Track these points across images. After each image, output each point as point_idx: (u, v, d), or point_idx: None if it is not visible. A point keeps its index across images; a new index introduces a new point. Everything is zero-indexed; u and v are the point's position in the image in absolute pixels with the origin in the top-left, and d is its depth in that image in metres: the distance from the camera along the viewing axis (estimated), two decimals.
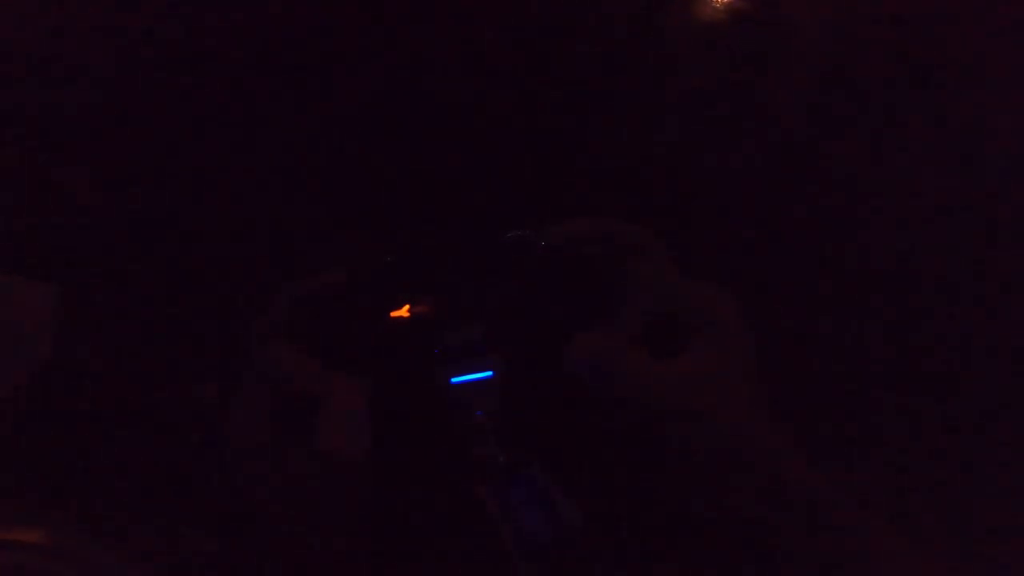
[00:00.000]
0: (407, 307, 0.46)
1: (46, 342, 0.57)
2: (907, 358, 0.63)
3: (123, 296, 0.58)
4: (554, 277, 0.46)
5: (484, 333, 0.47)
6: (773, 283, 0.64)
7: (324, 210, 0.58)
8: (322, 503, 0.41)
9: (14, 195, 0.60)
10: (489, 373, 0.47)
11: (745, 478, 0.40)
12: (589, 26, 0.65)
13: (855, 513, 0.40)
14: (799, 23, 0.66)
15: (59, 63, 0.60)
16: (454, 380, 0.47)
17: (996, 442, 0.60)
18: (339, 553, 0.41)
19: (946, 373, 0.62)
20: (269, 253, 0.57)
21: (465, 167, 0.60)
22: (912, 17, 0.65)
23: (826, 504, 0.40)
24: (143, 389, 0.55)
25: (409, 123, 0.61)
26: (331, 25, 0.62)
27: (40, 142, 0.60)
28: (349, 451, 0.40)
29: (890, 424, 0.61)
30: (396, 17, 0.62)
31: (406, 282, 0.47)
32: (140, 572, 0.48)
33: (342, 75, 0.62)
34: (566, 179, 0.61)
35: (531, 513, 0.45)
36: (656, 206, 0.62)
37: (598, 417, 0.48)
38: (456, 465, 0.47)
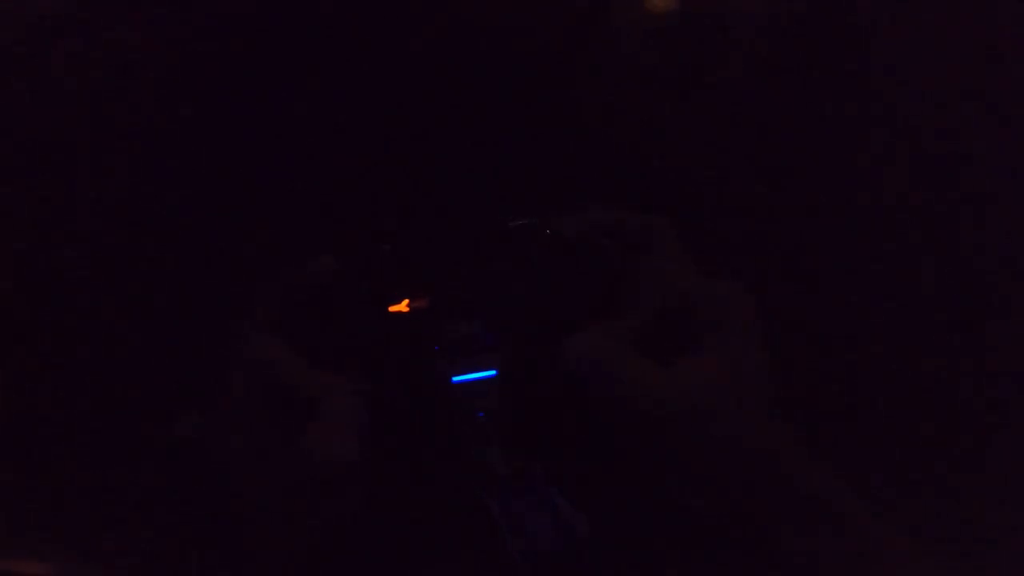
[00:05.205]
0: (406, 301, 0.44)
1: None
2: (908, 357, 0.62)
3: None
4: (563, 270, 0.45)
5: (487, 329, 0.45)
6: (774, 278, 0.63)
7: (316, 195, 0.55)
8: (312, 507, 0.38)
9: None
10: (492, 372, 0.45)
11: (751, 482, 0.38)
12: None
13: (859, 511, 0.38)
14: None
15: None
16: (455, 379, 0.45)
17: (997, 441, 0.60)
18: (331, 559, 0.39)
19: (947, 372, 0.61)
20: (257, 243, 0.54)
21: (469, 151, 0.58)
22: None
23: (831, 505, 0.38)
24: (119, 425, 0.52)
25: (408, 104, 0.59)
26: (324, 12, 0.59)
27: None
28: (339, 457, 0.37)
29: (892, 422, 0.61)
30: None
31: (404, 273, 0.44)
32: None
33: (337, 61, 0.59)
34: (575, 168, 0.59)
35: (536, 521, 0.43)
36: (668, 199, 0.61)
37: (600, 419, 0.46)
38: (457, 470, 0.45)
